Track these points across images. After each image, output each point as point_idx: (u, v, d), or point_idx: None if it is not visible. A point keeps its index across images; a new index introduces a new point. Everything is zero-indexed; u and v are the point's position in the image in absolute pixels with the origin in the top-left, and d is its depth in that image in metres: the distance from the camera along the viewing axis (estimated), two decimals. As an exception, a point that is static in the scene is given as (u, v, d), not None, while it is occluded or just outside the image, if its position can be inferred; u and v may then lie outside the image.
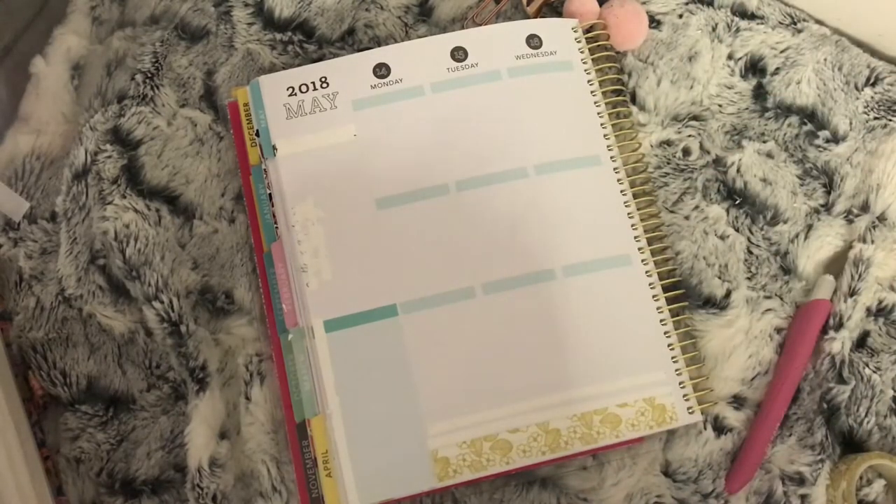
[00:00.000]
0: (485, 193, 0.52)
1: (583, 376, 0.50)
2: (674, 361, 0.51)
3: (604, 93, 0.56)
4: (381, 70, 0.54)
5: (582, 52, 0.56)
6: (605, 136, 0.54)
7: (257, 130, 0.53)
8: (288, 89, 0.53)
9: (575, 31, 0.56)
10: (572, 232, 0.52)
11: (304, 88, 0.53)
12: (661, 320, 0.52)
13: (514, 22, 0.56)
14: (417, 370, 0.49)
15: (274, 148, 0.52)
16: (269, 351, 0.53)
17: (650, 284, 0.52)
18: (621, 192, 0.54)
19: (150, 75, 0.57)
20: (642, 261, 0.52)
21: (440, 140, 0.53)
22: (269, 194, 0.53)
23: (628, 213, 0.53)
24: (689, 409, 0.50)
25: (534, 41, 0.55)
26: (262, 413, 0.52)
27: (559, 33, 0.56)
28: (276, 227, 0.53)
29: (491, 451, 0.49)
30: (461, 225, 0.52)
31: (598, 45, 0.57)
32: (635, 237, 0.53)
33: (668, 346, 0.51)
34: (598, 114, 0.55)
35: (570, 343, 0.50)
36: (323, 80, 0.54)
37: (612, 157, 0.54)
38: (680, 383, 0.51)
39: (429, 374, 0.49)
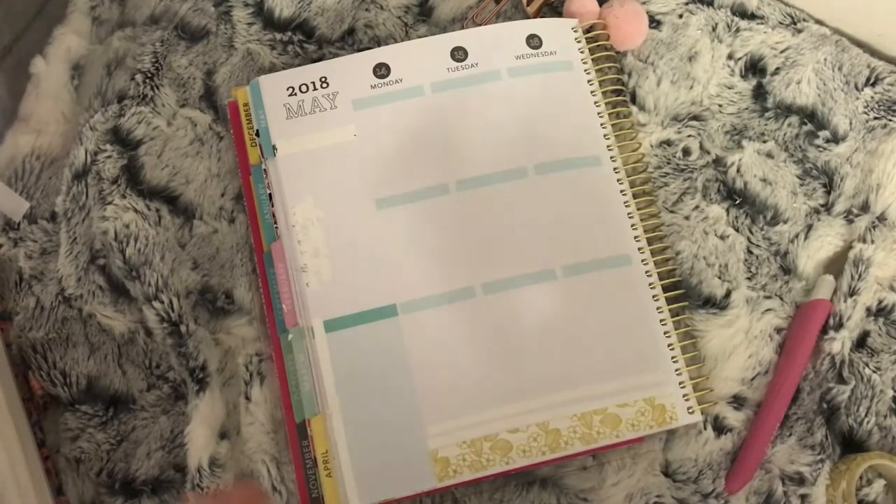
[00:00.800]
0: (485, 193, 0.52)
1: (583, 376, 0.50)
2: (674, 361, 0.51)
3: (604, 93, 0.56)
4: (381, 70, 0.54)
5: (582, 52, 0.56)
6: (605, 136, 0.54)
7: (257, 130, 0.53)
8: (288, 89, 0.53)
9: (575, 31, 0.56)
10: (572, 232, 0.52)
11: (304, 88, 0.53)
12: (661, 320, 0.52)
13: (514, 22, 0.56)
14: (417, 370, 0.49)
15: (274, 148, 0.52)
16: (269, 351, 0.53)
17: (650, 284, 0.52)
18: (621, 192, 0.54)
19: (150, 75, 0.56)
20: (642, 261, 0.52)
21: (440, 140, 0.53)
22: (269, 194, 0.53)
23: (628, 213, 0.53)
24: (689, 409, 0.50)
25: (534, 41, 0.55)
26: (262, 413, 0.52)
27: (559, 33, 0.56)
28: (276, 227, 0.53)
29: (491, 451, 0.49)
30: (461, 225, 0.52)
31: (598, 45, 0.57)
32: (635, 237, 0.53)
33: (668, 345, 0.51)
34: (598, 114, 0.55)
35: (570, 343, 0.50)
36: (323, 80, 0.54)
37: (612, 157, 0.54)
38: (680, 383, 0.51)
39: (429, 374, 0.49)
